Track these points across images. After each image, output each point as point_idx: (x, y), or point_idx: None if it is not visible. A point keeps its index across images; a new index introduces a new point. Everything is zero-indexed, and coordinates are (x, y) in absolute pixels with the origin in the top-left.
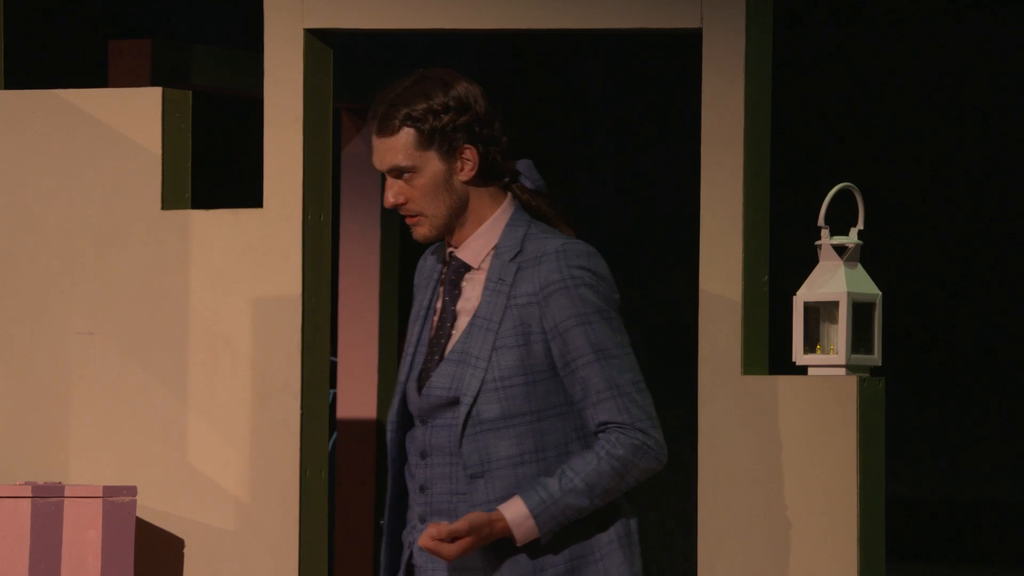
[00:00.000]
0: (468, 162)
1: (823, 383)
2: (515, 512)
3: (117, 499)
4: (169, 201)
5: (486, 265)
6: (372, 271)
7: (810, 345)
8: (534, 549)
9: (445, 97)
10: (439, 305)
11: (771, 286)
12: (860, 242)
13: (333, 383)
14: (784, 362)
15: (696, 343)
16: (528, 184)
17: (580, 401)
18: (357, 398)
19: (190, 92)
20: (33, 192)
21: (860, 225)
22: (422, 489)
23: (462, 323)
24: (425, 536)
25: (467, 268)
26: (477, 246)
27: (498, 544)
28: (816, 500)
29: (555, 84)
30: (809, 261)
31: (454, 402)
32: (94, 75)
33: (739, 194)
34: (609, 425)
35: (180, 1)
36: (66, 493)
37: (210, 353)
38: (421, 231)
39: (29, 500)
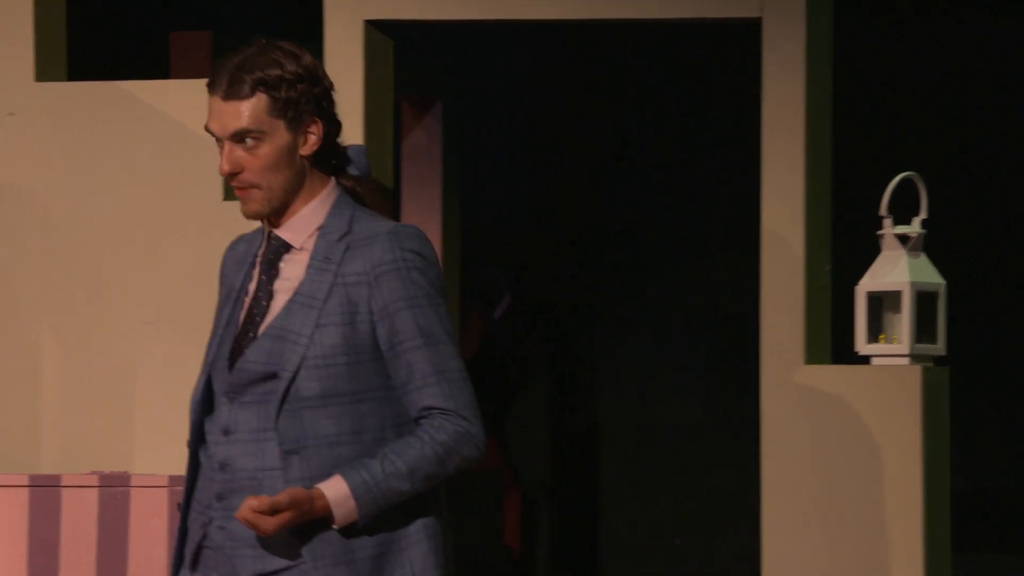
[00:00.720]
0: (313, 136)
1: (887, 373)
2: (336, 492)
3: (182, 488)
4: (231, 191)
5: (309, 245)
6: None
7: (873, 335)
8: (344, 533)
9: (298, 67)
10: (252, 286)
11: (833, 276)
12: (923, 231)
13: None
14: (847, 352)
15: (756, 335)
16: (354, 171)
17: (403, 385)
18: None
19: None
20: (96, 183)
21: (923, 214)
22: (222, 467)
23: (280, 301)
24: (244, 508)
25: (287, 248)
26: (300, 225)
27: (308, 525)
28: (880, 490)
29: (606, 74)
30: (871, 251)
31: (270, 377)
32: (156, 67)
33: (800, 184)
34: (433, 411)
35: None
36: (132, 482)
37: None
38: (253, 207)
39: (96, 489)
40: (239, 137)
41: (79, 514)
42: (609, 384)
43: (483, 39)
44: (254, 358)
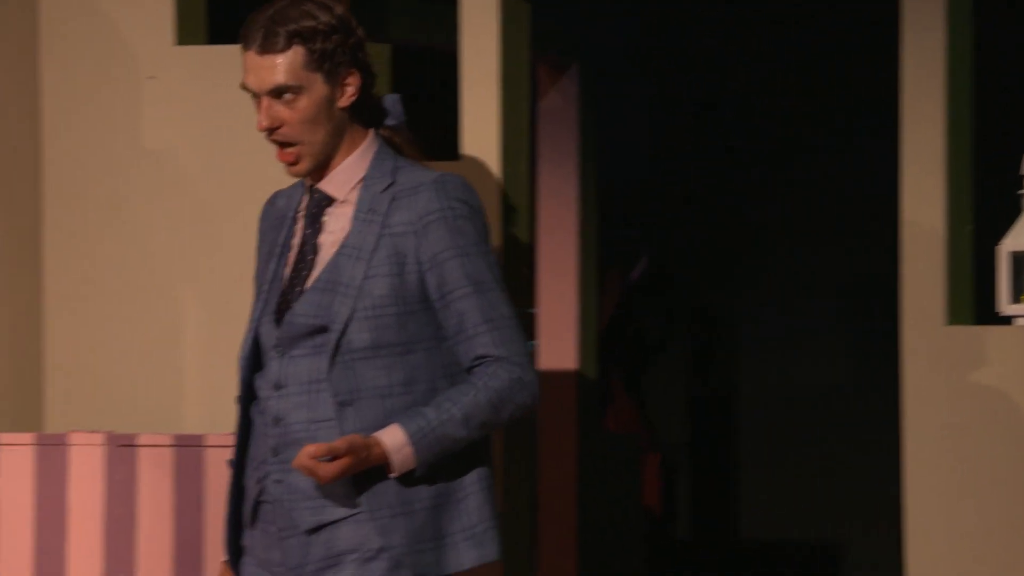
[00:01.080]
0: (350, 87)
1: None
2: (393, 439)
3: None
4: None
5: (352, 198)
6: (570, 223)
7: (1016, 295)
8: (401, 484)
9: (331, 17)
10: (296, 241)
11: (975, 236)
12: None
13: (532, 335)
14: (989, 313)
15: (896, 297)
16: (391, 121)
17: (455, 334)
18: (557, 349)
19: (389, 46)
20: (235, 145)
21: None
22: (276, 421)
23: (326, 255)
24: (302, 455)
25: (330, 201)
26: (343, 178)
27: (366, 475)
28: None
29: (740, 35)
30: (1014, 211)
31: (320, 330)
32: None
33: (941, 143)
34: (486, 359)
35: None
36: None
37: None
38: (302, 166)
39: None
40: (277, 92)
41: (224, 474)
42: (748, 346)
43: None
44: (303, 311)
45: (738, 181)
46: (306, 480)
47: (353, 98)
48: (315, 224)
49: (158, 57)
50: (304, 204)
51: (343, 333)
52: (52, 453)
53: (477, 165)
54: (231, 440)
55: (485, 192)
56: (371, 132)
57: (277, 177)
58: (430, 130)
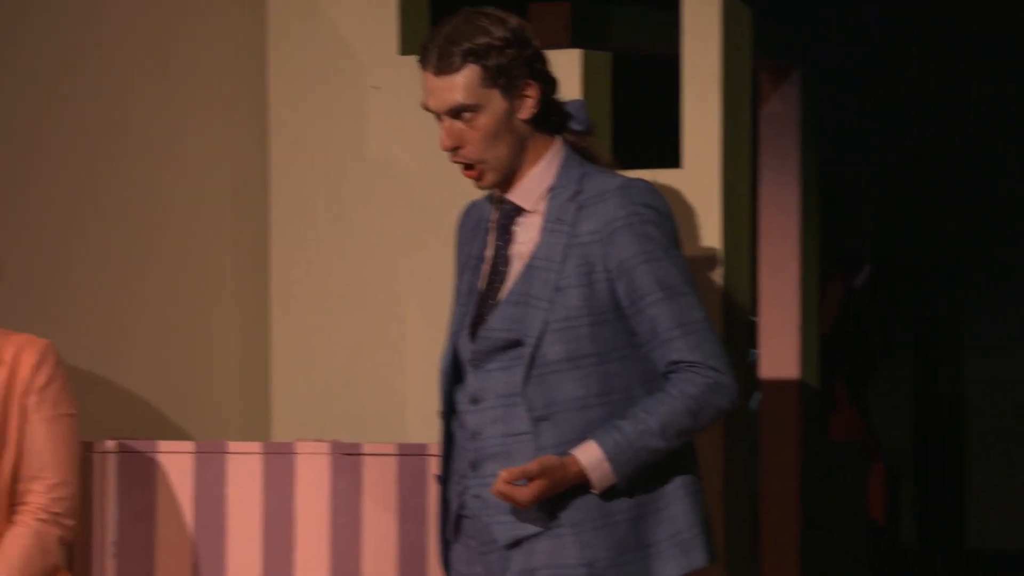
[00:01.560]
0: (529, 99)
1: None
2: (589, 456)
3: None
4: None
5: (541, 207)
6: (791, 230)
7: None
8: (601, 495)
9: (505, 31)
10: (489, 253)
11: None
12: None
13: (753, 343)
14: None
15: None
16: (577, 126)
17: (648, 341)
18: (779, 357)
19: (610, 54)
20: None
21: None
22: (474, 435)
23: (517, 267)
24: (498, 482)
25: (519, 212)
26: (530, 188)
27: (564, 491)
28: None
29: (960, 36)
30: None
31: (514, 344)
32: None
33: None
34: (680, 364)
35: None
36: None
37: None
38: (488, 179)
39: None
40: (456, 112)
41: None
42: (974, 350)
43: (841, 3)
44: (497, 325)
45: (961, 183)
46: None
47: (533, 110)
48: (506, 235)
49: (382, 67)
50: (495, 215)
51: (537, 347)
52: (279, 461)
53: (698, 172)
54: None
55: (706, 199)
56: (557, 139)
57: None
58: (651, 137)
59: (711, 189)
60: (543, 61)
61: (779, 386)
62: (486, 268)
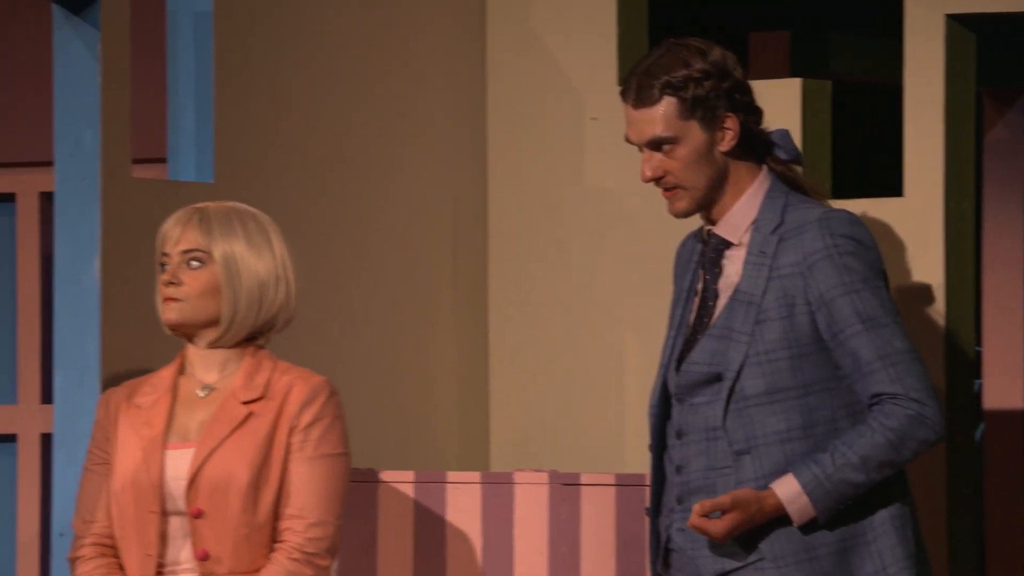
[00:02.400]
0: (729, 131)
1: None
2: (787, 489)
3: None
4: None
5: (746, 240)
6: (1016, 259)
7: None
8: (803, 529)
9: (704, 63)
10: (699, 286)
11: None
12: None
13: (978, 373)
14: None
15: None
16: (783, 155)
17: (851, 374)
18: (1004, 388)
19: (829, 82)
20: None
21: None
22: (678, 469)
23: (723, 300)
24: (692, 515)
25: (727, 245)
26: (736, 221)
27: (765, 523)
28: None
29: None
30: None
31: (715, 378)
32: None
33: None
34: (882, 396)
35: None
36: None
37: None
38: (680, 205)
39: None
40: (655, 144)
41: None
42: None
43: None
44: (698, 359)
45: None
46: None
47: (733, 142)
48: (714, 269)
49: (601, 98)
50: (704, 249)
51: (736, 380)
52: (498, 491)
53: (920, 201)
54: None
55: (928, 228)
56: (762, 169)
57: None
58: (872, 166)
59: (934, 218)
60: (746, 92)
61: (1004, 417)
62: (695, 302)
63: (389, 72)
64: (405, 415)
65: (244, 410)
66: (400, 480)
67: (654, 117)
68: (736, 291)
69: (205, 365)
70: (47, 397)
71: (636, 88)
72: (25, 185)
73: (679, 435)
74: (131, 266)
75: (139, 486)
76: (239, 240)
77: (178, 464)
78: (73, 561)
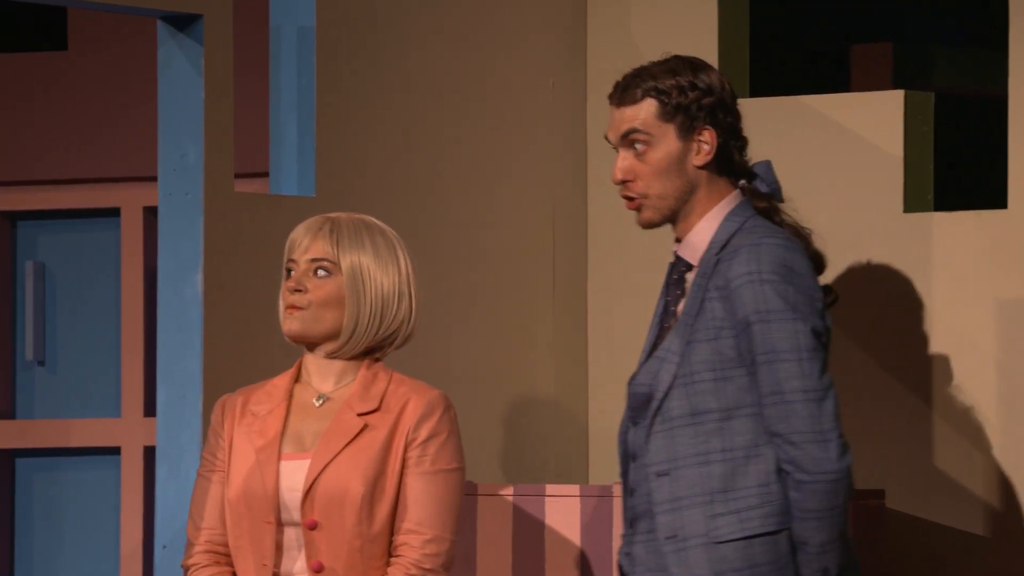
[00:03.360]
0: (705, 145)
1: None
2: None
3: (866, 503)
4: (911, 204)
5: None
6: None
7: None
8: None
9: (693, 77)
10: (661, 308)
11: None
12: None
13: None
14: None
15: None
16: (763, 187)
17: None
18: None
19: (932, 94)
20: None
21: None
22: (631, 492)
23: (674, 323)
24: None
25: (689, 268)
26: (696, 241)
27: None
28: None
29: None
30: None
31: (651, 398)
32: (837, 80)
33: None
34: (774, 436)
35: (920, 2)
36: None
37: (954, 354)
38: (646, 215)
39: None
40: (628, 140)
41: None
42: None
43: None
44: (640, 380)
45: None
46: (646, 551)
47: (708, 156)
48: (676, 292)
49: None
50: (671, 270)
51: (663, 400)
52: (597, 504)
53: None
54: None
55: None
56: (734, 192)
57: (817, 228)
58: (975, 178)
59: None
60: (733, 115)
61: None
62: (660, 323)
63: (490, 85)
64: (505, 428)
65: (359, 422)
66: (499, 493)
67: (634, 114)
68: (682, 313)
69: (322, 375)
70: (150, 410)
71: (622, 88)
72: (129, 200)
73: (633, 458)
74: (233, 280)
75: (254, 496)
76: (367, 253)
77: (293, 475)
78: (187, 568)
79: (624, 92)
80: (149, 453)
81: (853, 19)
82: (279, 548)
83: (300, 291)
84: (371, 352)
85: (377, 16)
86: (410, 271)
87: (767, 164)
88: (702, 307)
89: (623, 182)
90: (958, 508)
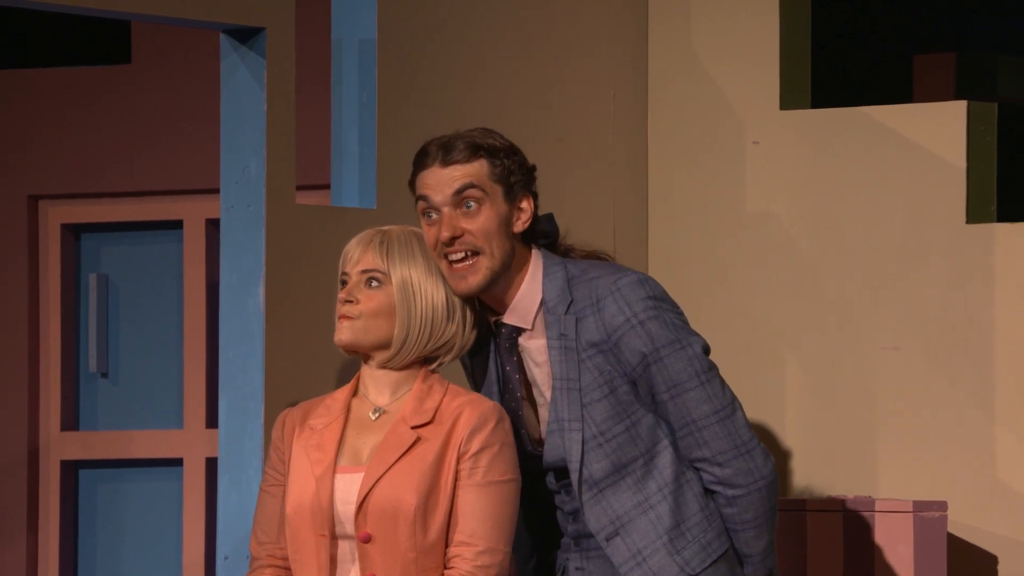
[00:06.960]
0: (524, 212)
1: None
2: None
3: (927, 514)
4: (974, 214)
5: (539, 323)
6: None
7: None
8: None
9: (509, 144)
10: (498, 376)
11: None
12: None
13: None
14: None
15: None
16: (543, 240)
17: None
18: None
19: (995, 104)
20: (840, 208)
21: None
22: (572, 517)
23: (546, 391)
24: None
25: (519, 332)
26: (523, 307)
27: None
28: None
29: None
30: None
31: (565, 469)
32: (899, 91)
33: None
34: (694, 462)
35: (984, 12)
36: (876, 507)
37: (1018, 366)
38: (476, 278)
39: (840, 514)
40: (461, 197)
41: (826, 539)
42: None
43: None
44: (549, 457)
45: None
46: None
47: (526, 224)
48: (512, 358)
49: (763, 122)
50: (497, 340)
51: (581, 468)
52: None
53: None
54: (829, 505)
55: None
56: (533, 252)
57: (880, 240)
58: None
59: None
60: (535, 180)
61: None
62: (514, 391)
63: (550, 97)
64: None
65: (413, 435)
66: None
67: (466, 172)
68: (554, 379)
69: (378, 387)
70: (212, 422)
71: (444, 149)
72: (192, 212)
73: (573, 517)
74: (295, 292)
75: (309, 510)
76: (418, 265)
77: (347, 488)
78: None
79: (449, 152)
80: (211, 464)
81: (916, 29)
82: (334, 561)
83: (351, 302)
84: (427, 362)
85: (438, 28)
86: None
87: (550, 216)
88: (581, 368)
89: (453, 239)
90: (1021, 520)
